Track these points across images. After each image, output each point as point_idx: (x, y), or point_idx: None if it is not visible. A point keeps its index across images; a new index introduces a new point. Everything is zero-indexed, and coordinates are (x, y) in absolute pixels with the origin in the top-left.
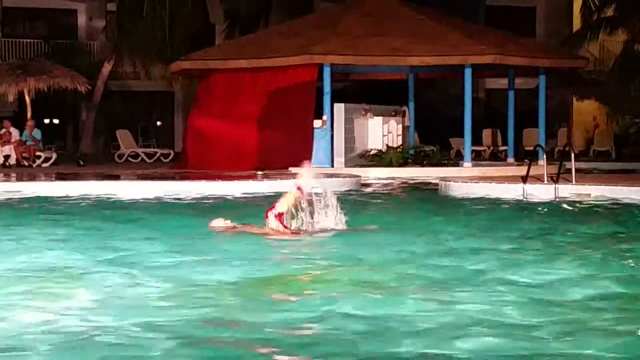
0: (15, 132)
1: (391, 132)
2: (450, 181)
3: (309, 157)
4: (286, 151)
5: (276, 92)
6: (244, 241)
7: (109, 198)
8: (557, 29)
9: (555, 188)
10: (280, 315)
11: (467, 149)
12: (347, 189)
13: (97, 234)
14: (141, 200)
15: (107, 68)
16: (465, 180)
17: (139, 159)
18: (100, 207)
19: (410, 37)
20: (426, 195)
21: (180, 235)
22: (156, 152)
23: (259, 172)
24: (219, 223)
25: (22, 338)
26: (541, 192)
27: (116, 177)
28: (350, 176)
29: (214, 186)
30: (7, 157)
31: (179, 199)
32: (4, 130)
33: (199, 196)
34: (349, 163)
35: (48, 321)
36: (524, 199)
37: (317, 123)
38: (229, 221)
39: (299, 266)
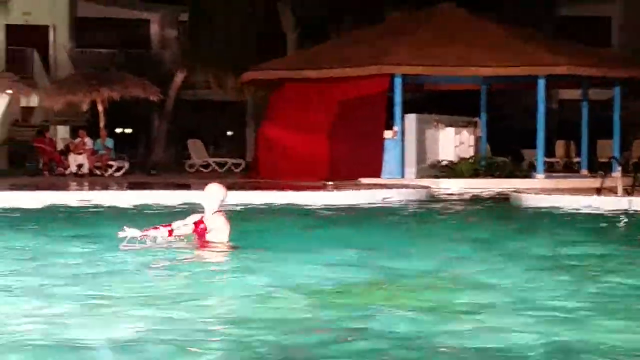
0: (89, 142)
1: (463, 143)
2: (522, 193)
3: (379, 167)
4: (357, 162)
5: (347, 103)
6: None
7: (179, 206)
8: (634, 39)
9: (629, 201)
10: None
11: (540, 160)
12: (418, 199)
13: None
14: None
15: (179, 78)
16: (537, 192)
17: (210, 168)
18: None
19: (482, 48)
20: (499, 207)
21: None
22: (227, 162)
23: (329, 183)
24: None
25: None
26: (615, 204)
27: (187, 187)
28: (421, 187)
29: (284, 196)
30: (80, 166)
31: (247, 207)
32: (78, 139)
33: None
34: (419, 174)
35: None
36: (598, 212)
37: (387, 134)
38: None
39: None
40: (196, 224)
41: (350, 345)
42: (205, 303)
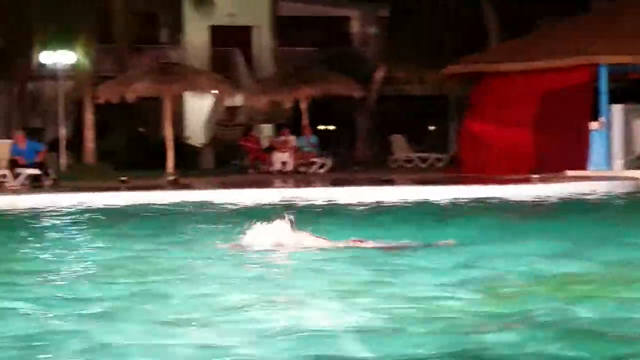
0: (292, 139)
1: None
2: None
3: (585, 159)
4: (562, 154)
5: (551, 95)
6: None
7: (379, 203)
8: None
9: None
10: None
11: None
12: (626, 191)
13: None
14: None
15: (380, 74)
16: None
17: (413, 164)
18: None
19: None
20: None
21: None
22: (430, 157)
23: (535, 176)
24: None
25: None
26: None
27: (390, 182)
28: (629, 179)
29: (488, 190)
30: (284, 163)
31: (455, 201)
32: (282, 137)
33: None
34: (627, 165)
35: None
36: None
37: (593, 125)
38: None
39: None
40: None
41: None
42: (432, 294)
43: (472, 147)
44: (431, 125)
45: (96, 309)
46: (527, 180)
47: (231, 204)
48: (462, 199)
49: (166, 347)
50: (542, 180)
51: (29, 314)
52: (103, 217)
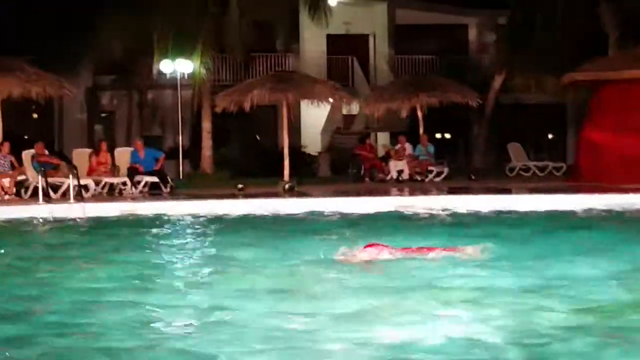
0: (408, 147)
1: None
2: None
3: None
4: None
5: None
6: None
7: (500, 212)
8: None
9: None
10: None
11: None
12: None
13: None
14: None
15: (497, 81)
16: None
17: (531, 172)
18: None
19: None
20: None
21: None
22: (547, 166)
23: None
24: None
25: None
26: None
27: (507, 191)
28: None
29: (609, 198)
30: (400, 171)
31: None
32: (398, 145)
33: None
34: None
35: None
36: None
37: None
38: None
39: None
40: None
41: None
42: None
43: (591, 156)
44: (549, 133)
45: (211, 318)
46: None
47: (346, 212)
48: (587, 208)
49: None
50: None
51: None
52: (221, 225)
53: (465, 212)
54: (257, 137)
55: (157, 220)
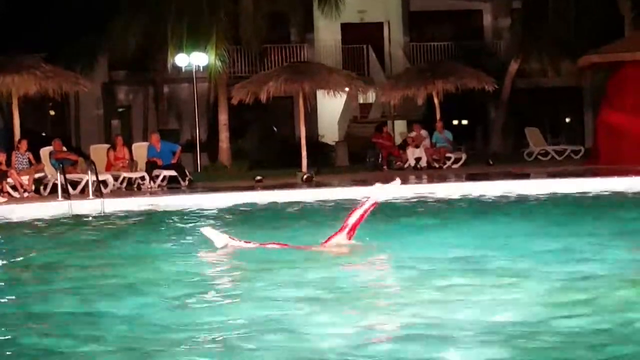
0: (425, 134)
1: None
2: None
3: None
4: None
5: None
6: None
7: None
8: None
9: None
10: None
11: None
12: None
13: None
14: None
15: (513, 66)
16: None
17: (549, 156)
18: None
19: None
20: None
21: None
22: (566, 149)
23: None
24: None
25: None
26: None
27: (526, 176)
28: None
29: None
30: (418, 159)
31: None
32: (414, 133)
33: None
34: None
35: None
36: None
37: None
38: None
39: None
40: None
41: None
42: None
43: (609, 138)
44: (566, 117)
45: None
46: None
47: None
48: (606, 191)
49: None
50: None
51: None
52: (243, 216)
53: (484, 196)
54: (274, 128)
55: (179, 215)
